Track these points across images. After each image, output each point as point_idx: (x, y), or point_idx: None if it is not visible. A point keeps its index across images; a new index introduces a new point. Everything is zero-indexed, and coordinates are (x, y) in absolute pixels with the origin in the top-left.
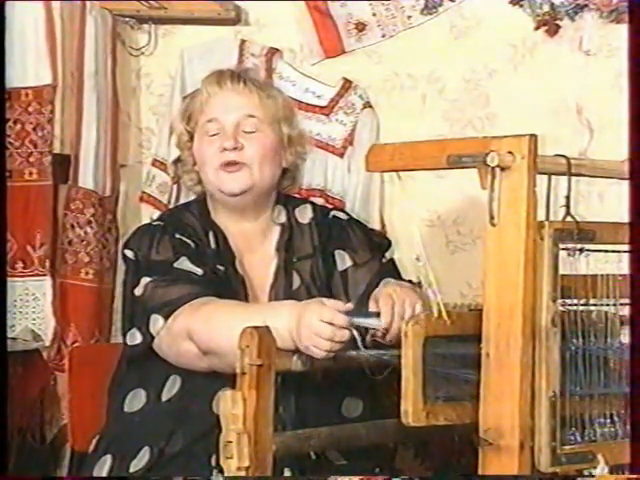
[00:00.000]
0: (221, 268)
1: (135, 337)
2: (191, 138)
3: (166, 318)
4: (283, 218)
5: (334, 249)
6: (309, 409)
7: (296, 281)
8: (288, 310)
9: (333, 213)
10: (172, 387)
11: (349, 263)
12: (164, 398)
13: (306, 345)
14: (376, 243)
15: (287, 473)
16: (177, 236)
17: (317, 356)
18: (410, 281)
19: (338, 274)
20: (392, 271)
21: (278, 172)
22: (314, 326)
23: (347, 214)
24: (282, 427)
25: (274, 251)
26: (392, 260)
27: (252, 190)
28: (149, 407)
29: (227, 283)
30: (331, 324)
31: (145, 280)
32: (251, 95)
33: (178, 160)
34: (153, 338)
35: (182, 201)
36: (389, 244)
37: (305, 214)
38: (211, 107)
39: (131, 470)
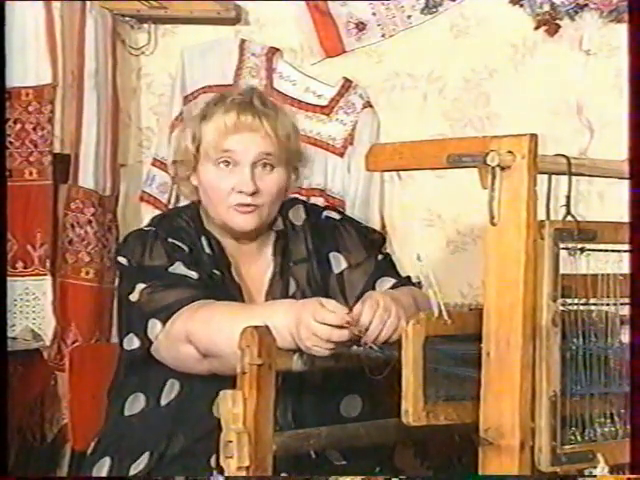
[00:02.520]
0: (217, 273)
1: (132, 342)
2: (196, 160)
3: (164, 322)
4: (280, 225)
5: (328, 252)
6: (308, 409)
7: (292, 286)
8: (285, 309)
9: (325, 213)
10: (170, 391)
11: (344, 265)
12: (163, 402)
13: (307, 345)
14: (370, 241)
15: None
16: (170, 241)
17: (319, 355)
18: (408, 277)
19: (334, 277)
20: (388, 269)
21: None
22: (312, 327)
23: (340, 213)
24: (281, 427)
25: (270, 256)
26: (388, 256)
27: (260, 227)
28: (148, 411)
29: (223, 288)
30: (328, 325)
31: (140, 286)
32: (270, 132)
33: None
34: (151, 343)
35: (182, 201)
36: (383, 240)
37: (298, 215)
38: (229, 139)
39: (131, 472)
